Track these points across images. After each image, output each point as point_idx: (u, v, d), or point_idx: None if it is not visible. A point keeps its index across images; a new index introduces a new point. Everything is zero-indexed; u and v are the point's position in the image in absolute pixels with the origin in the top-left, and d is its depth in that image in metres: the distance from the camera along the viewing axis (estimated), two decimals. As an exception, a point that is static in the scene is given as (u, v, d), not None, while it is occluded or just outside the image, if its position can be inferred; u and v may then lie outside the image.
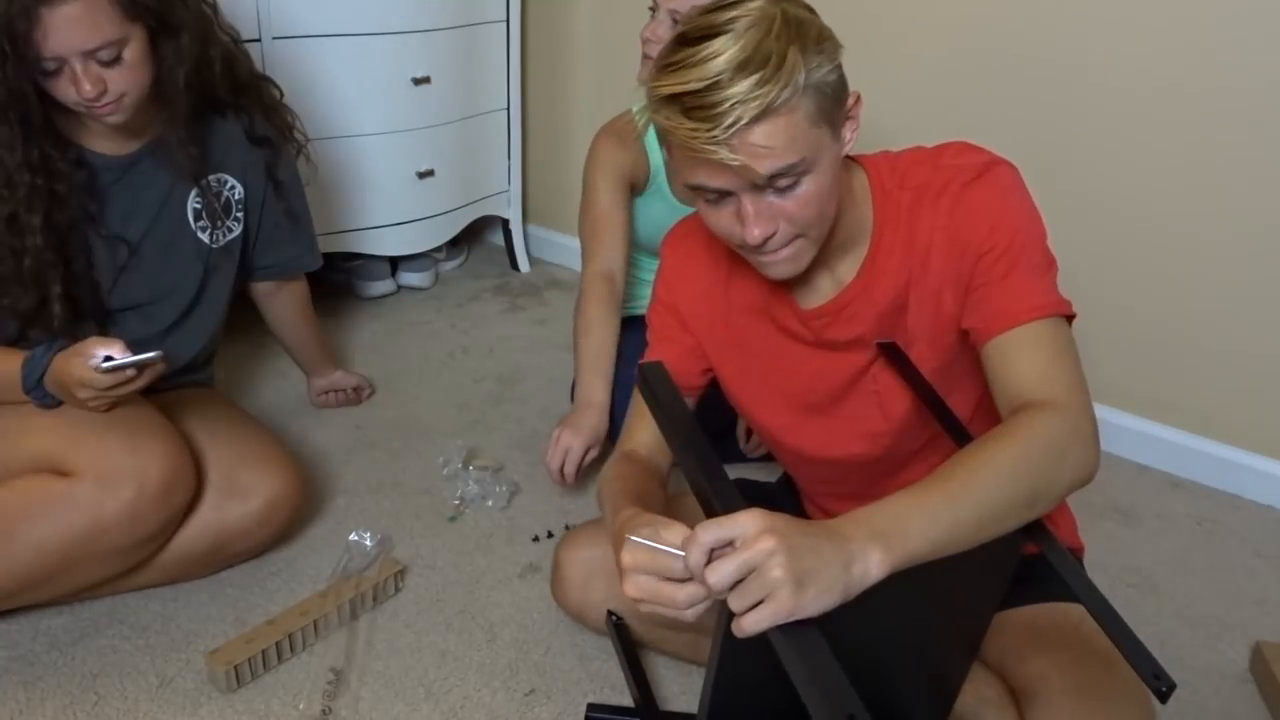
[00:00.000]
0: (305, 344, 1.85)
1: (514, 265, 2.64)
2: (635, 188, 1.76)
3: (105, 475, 1.24)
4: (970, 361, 1.03)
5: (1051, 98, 1.78)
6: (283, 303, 1.75)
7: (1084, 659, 1.04)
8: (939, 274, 1.02)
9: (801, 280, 1.07)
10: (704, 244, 1.16)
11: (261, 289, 1.72)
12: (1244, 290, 1.71)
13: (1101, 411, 1.78)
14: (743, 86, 0.86)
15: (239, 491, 1.39)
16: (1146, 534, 1.69)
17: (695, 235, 1.17)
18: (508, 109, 2.45)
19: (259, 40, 1.93)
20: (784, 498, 1.40)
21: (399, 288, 2.48)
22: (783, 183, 0.92)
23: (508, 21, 2.35)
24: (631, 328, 1.80)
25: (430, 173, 2.28)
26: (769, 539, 0.70)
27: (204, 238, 1.49)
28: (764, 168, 0.89)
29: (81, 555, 1.26)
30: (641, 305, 1.89)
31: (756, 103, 0.86)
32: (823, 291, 1.08)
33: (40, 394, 1.26)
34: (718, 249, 1.14)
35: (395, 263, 2.48)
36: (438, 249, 2.50)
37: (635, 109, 1.74)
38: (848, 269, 1.07)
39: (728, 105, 0.86)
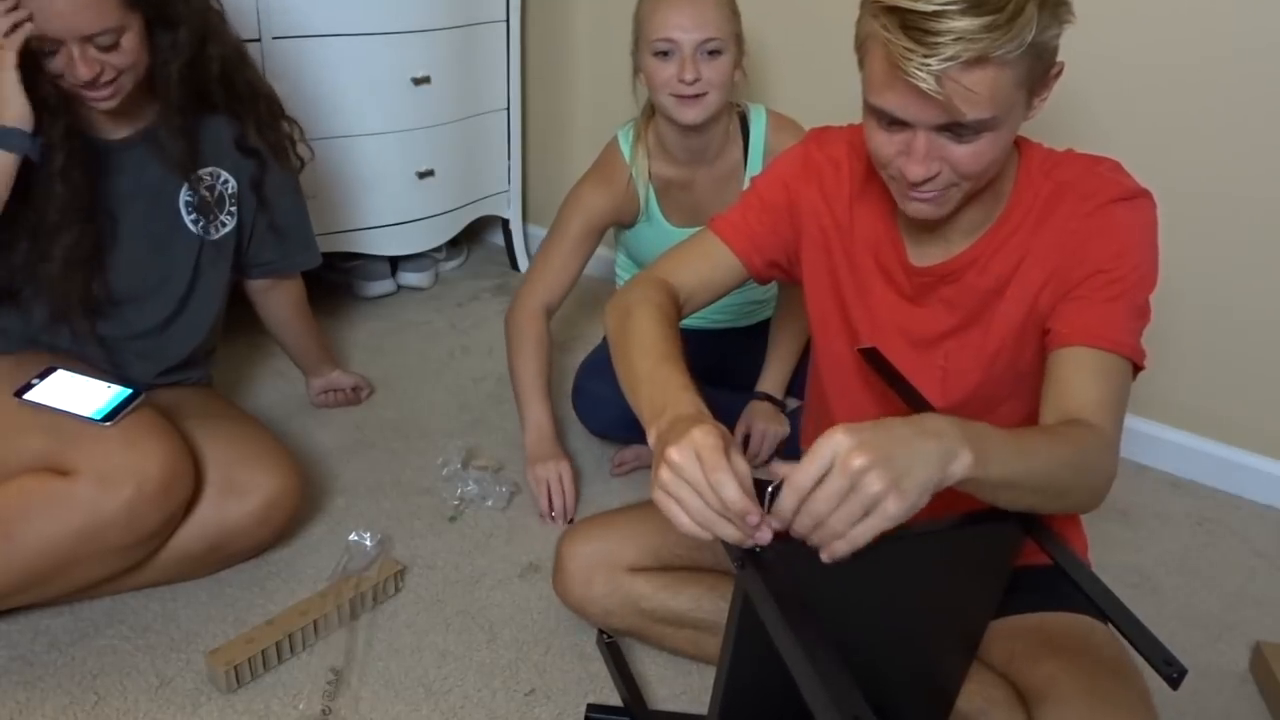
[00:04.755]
0: (301, 343, 1.85)
1: (514, 265, 2.64)
2: (621, 224, 1.78)
3: (104, 474, 1.23)
4: (1037, 379, 1.03)
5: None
6: (277, 301, 1.75)
7: (1095, 665, 1.04)
8: (1049, 270, 1.02)
9: (920, 233, 1.08)
10: (848, 156, 1.14)
11: (255, 286, 1.71)
12: (1244, 290, 1.71)
13: (1101, 411, 1.79)
14: (971, 24, 0.83)
15: (238, 490, 1.39)
16: (1146, 534, 1.69)
17: (843, 145, 1.15)
18: (508, 109, 2.45)
19: (259, 40, 1.93)
20: None
21: (399, 288, 2.48)
22: (965, 132, 0.91)
23: (508, 21, 2.35)
24: None
25: (430, 173, 2.28)
26: (860, 455, 0.71)
27: (196, 230, 1.48)
28: (964, 112, 0.88)
29: (80, 554, 1.26)
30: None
31: (980, 45, 0.84)
32: (934, 253, 1.08)
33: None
34: (858, 166, 1.13)
35: (395, 263, 2.48)
36: (438, 249, 2.50)
37: (621, 139, 1.72)
38: (965, 237, 1.07)
39: (950, 38, 0.84)
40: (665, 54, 1.55)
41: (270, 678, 1.29)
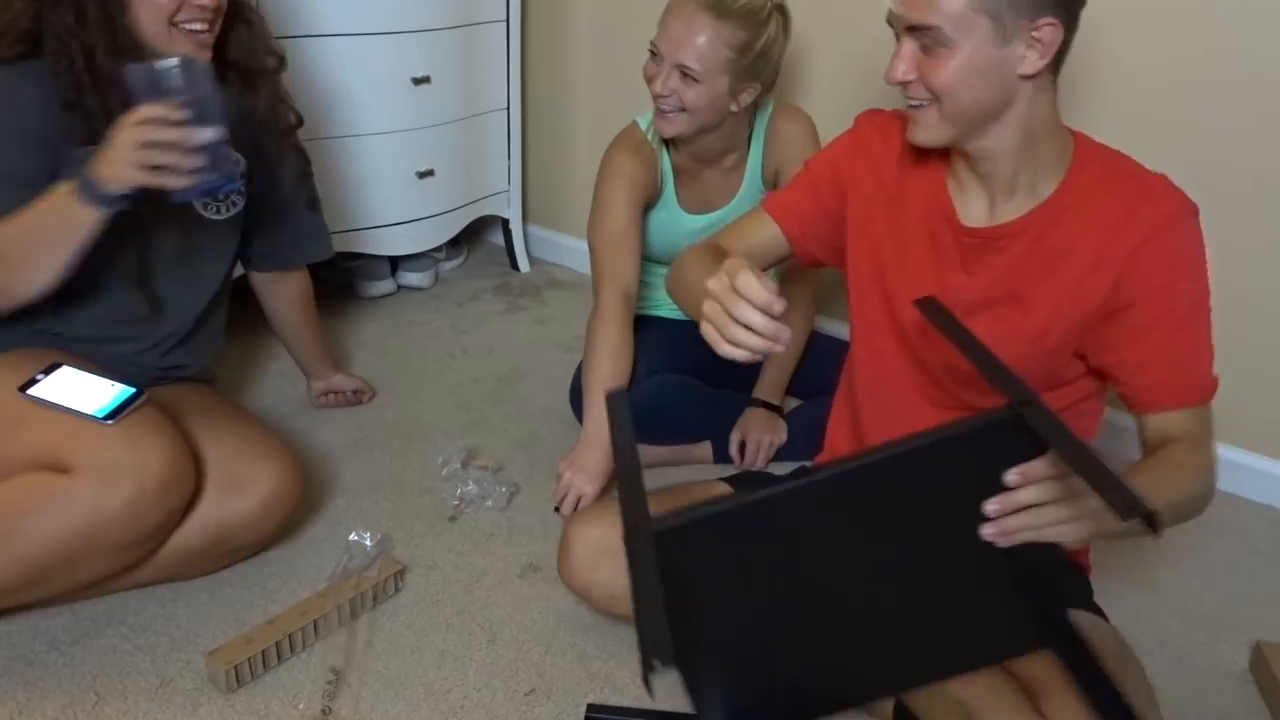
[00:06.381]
0: (304, 341, 1.85)
1: (514, 265, 2.64)
2: (648, 203, 1.71)
3: (105, 472, 1.23)
4: (1058, 361, 1.13)
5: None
6: (282, 294, 1.75)
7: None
8: (1099, 268, 1.07)
9: (967, 197, 1.15)
10: (900, 131, 1.20)
11: (261, 278, 1.71)
12: (1243, 289, 1.70)
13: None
14: None
15: (238, 486, 1.39)
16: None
17: (897, 121, 1.22)
18: (508, 109, 2.45)
19: (259, 40, 1.93)
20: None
21: (399, 288, 2.48)
22: (925, 39, 1.02)
23: (508, 21, 2.35)
24: (645, 326, 1.78)
25: (430, 173, 2.28)
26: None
27: (206, 213, 1.47)
28: (911, 13, 1.01)
29: (81, 552, 1.26)
30: (652, 306, 1.88)
31: None
32: (979, 212, 1.15)
33: (85, 180, 1.20)
34: (911, 143, 1.19)
35: (395, 263, 2.48)
36: (438, 249, 2.50)
37: (643, 123, 1.70)
38: (1015, 206, 1.12)
39: None
40: (654, 55, 1.55)
41: (270, 678, 1.29)
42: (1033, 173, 1.10)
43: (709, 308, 0.95)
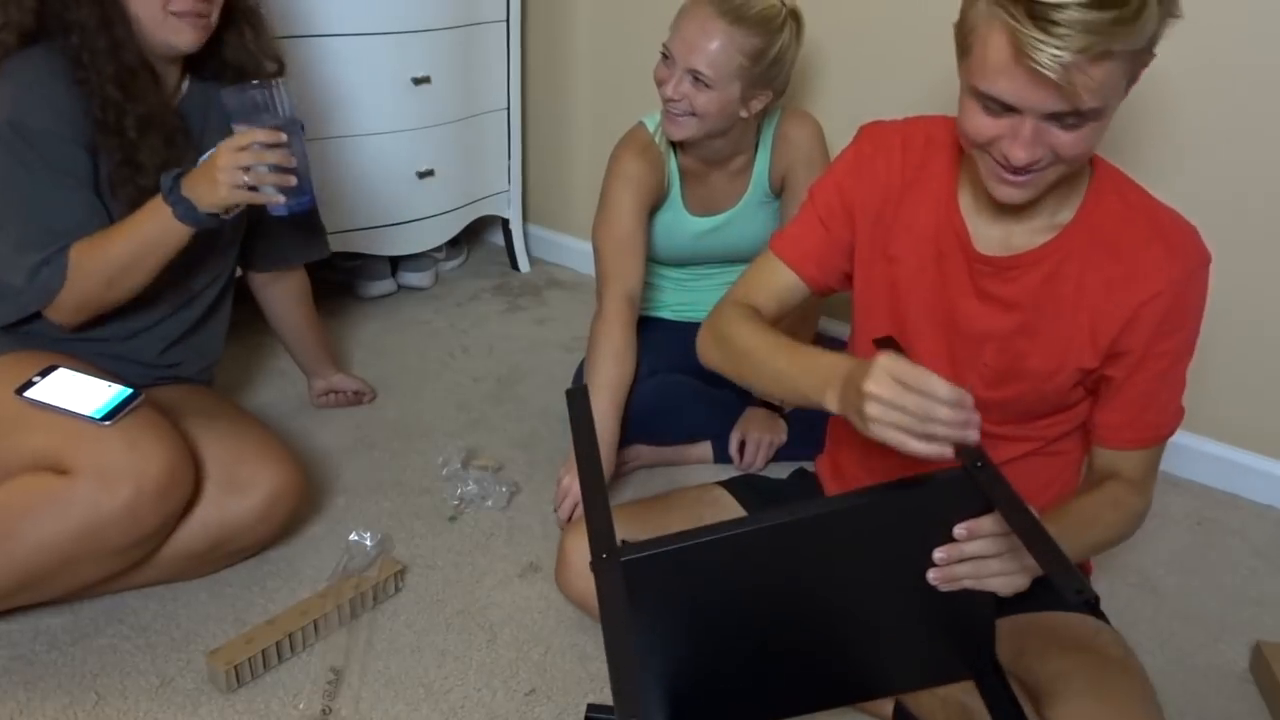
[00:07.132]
0: (304, 341, 1.85)
1: (514, 265, 2.64)
2: (654, 206, 1.70)
3: (104, 474, 1.23)
4: (1062, 395, 1.12)
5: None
6: (281, 294, 1.75)
7: (1102, 662, 1.05)
8: (1108, 315, 1.06)
9: (982, 221, 1.10)
10: (901, 146, 1.16)
11: (260, 278, 1.71)
12: (1243, 289, 1.70)
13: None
14: (1099, 17, 0.85)
15: (239, 487, 1.39)
16: (1146, 534, 1.68)
17: (896, 136, 1.18)
18: (508, 109, 2.45)
19: (259, 40, 1.93)
20: (794, 494, 1.41)
21: (399, 288, 2.48)
22: (1071, 119, 0.93)
23: (508, 21, 2.35)
24: (647, 327, 1.78)
25: (430, 173, 2.28)
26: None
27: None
28: (1084, 100, 0.90)
29: (79, 554, 1.26)
30: (654, 308, 1.88)
31: (1104, 40, 0.86)
32: (995, 243, 1.10)
33: (178, 198, 1.26)
34: (912, 157, 1.15)
35: (395, 263, 2.48)
36: (438, 249, 2.50)
37: (650, 124, 1.69)
38: (1033, 234, 1.08)
39: (1079, 30, 0.85)
40: (666, 57, 1.55)
41: (270, 678, 1.29)
42: (1061, 197, 1.06)
43: (878, 411, 0.88)
